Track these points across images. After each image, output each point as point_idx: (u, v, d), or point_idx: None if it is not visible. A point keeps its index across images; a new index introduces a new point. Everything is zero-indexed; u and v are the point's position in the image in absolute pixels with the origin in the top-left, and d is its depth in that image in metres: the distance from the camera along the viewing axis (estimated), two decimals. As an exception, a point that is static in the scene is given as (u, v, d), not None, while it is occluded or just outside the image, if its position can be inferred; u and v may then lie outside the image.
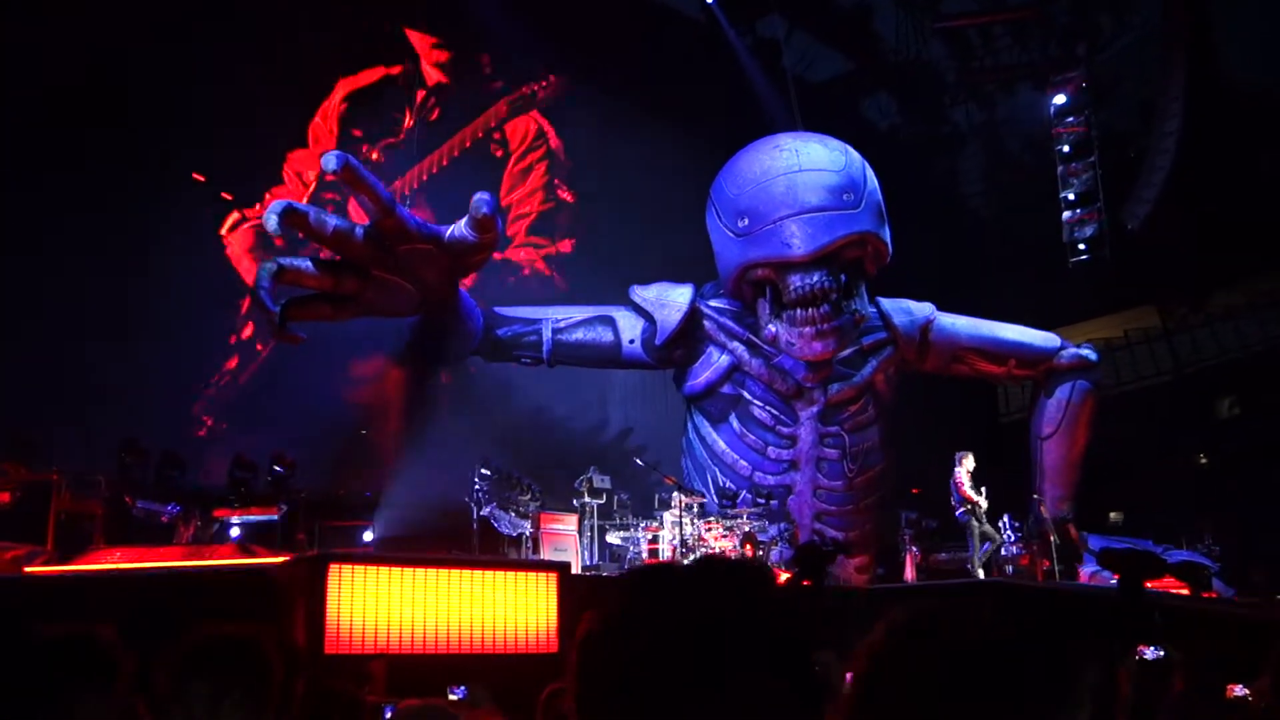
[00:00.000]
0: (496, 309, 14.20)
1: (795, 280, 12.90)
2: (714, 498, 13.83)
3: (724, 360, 14.19)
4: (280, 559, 9.55)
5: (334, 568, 8.68)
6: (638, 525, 13.27)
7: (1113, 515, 16.04)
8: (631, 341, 14.13)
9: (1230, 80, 20.82)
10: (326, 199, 15.55)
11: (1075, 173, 22.47)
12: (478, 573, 9.40)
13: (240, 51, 14.60)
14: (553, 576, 9.80)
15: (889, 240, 13.51)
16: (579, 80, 18.45)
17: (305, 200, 14.40)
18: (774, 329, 13.32)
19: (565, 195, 18.35)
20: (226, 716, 2.29)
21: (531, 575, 9.71)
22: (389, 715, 4.82)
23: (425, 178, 17.19)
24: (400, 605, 8.86)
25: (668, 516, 12.92)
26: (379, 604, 8.76)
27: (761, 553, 12.58)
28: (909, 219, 15.00)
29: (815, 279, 12.83)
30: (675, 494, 12.82)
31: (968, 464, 13.96)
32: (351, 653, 8.41)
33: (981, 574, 13.43)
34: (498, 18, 17.50)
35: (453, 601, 9.12)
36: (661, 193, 18.04)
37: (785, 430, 14.11)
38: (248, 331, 15.31)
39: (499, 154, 18.05)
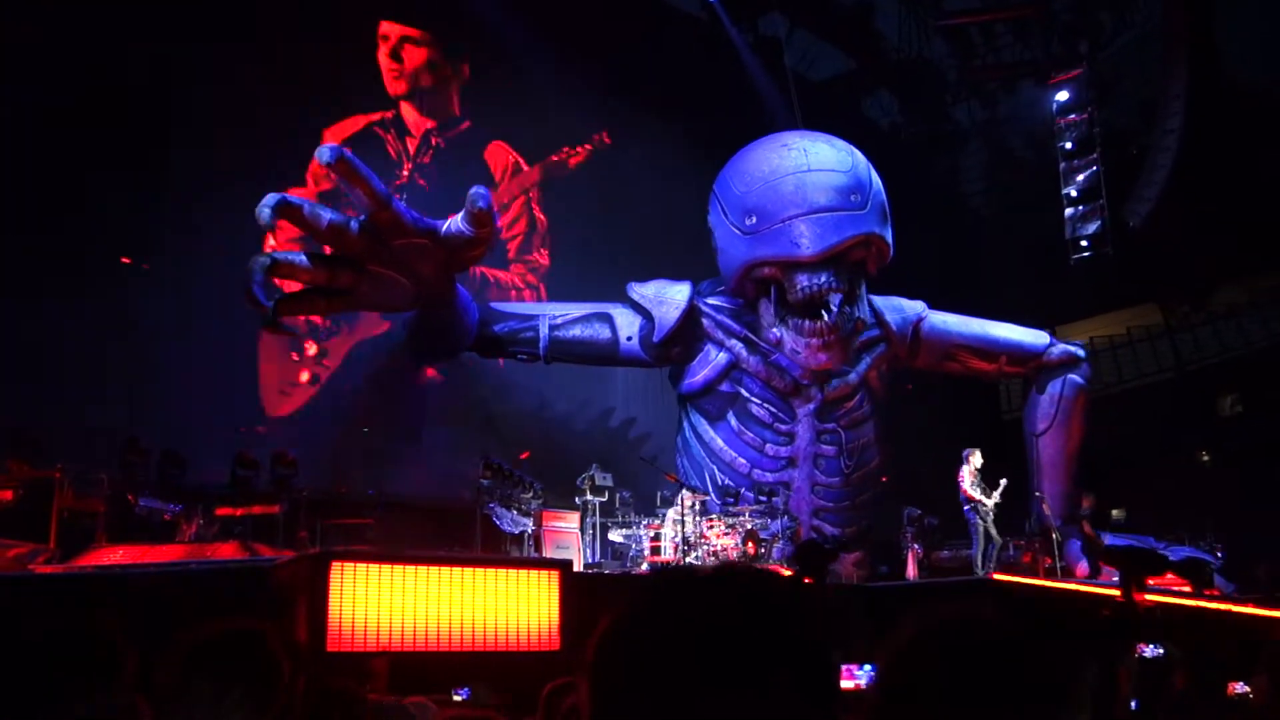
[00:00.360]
0: (492, 305, 14.21)
1: (802, 280, 12.91)
2: (714, 496, 13.83)
3: (722, 358, 14.19)
4: (282, 557, 9.56)
5: (336, 565, 8.68)
6: (640, 523, 13.28)
7: (1115, 513, 16.05)
8: (629, 339, 14.10)
9: (1231, 78, 20.81)
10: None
11: (1077, 170, 22.47)
12: (479, 570, 9.40)
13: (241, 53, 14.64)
14: (555, 574, 9.80)
15: (891, 241, 13.55)
16: (580, 78, 18.44)
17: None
18: (778, 333, 13.34)
19: (540, 216, 18.94)
20: (231, 712, 2.29)
21: (533, 573, 9.71)
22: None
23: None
24: (402, 603, 8.86)
25: (670, 514, 12.93)
26: (381, 602, 8.77)
27: (763, 550, 12.59)
28: (911, 217, 15.03)
29: (823, 279, 12.85)
30: (681, 492, 12.82)
31: (974, 461, 13.94)
32: (354, 650, 8.42)
33: (981, 572, 13.44)
34: (497, 16, 17.52)
35: (455, 599, 9.12)
36: (661, 190, 18.05)
37: (783, 427, 14.13)
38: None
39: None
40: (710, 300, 14.33)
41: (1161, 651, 5.27)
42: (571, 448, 16.04)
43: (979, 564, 13.66)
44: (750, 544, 12.53)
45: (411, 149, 17.48)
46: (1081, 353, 15.52)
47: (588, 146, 19.08)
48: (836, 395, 14.15)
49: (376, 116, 17.07)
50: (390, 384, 14.83)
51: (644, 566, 12.71)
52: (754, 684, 1.14)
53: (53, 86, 13.14)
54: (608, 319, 14.18)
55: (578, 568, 11.65)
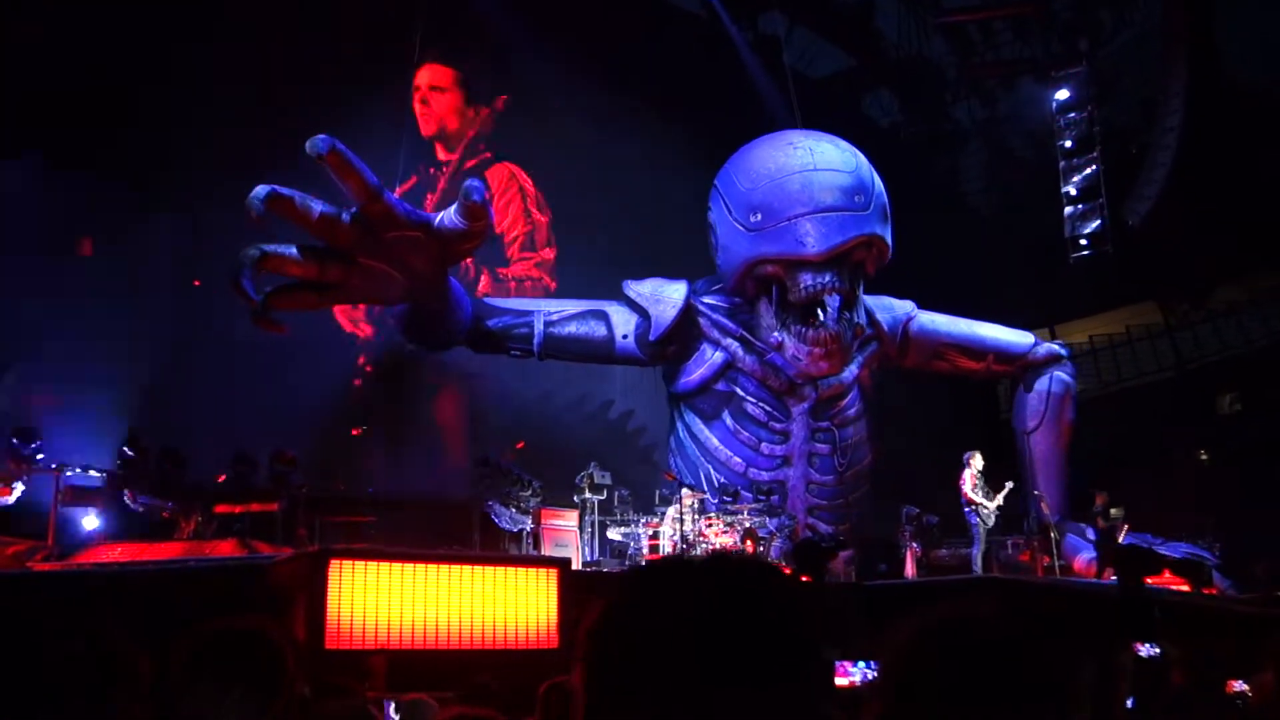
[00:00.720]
0: (486, 300, 14.12)
1: (806, 279, 12.91)
2: (711, 495, 13.82)
3: (718, 357, 14.16)
4: (281, 554, 9.56)
5: (335, 563, 8.67)
6: (638, 521, 13.27)
7: (1113, 511, 16.08)
8: (625, 337, 14.02)
9: (1231, 77, 20.81)
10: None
11: (1077, 168, 22.46)
12: (478, 568, 9.39)
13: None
14: (553, 572, 9.80)
15: (891, 242, 13.56)
16: (580, 74, 18.44)
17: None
18: (779, 337, 13.33)
19: (539, 217, 19.87)
20: (233, 711, 2.29)
21: (532, 571, 9.70)
22: (390, 710, 4.83)
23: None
24: (401, 601, 8.85)
25: (669, 512, 12.92)
26: (380, 600, 8.76)
27: (762, 548, 12.59)
28: (911, 216, 15.03)
29: (826, 279, 12.86)
30: (681, 490, 12.81)
31: (975, 464, 14.06)
32: (352, 648, 8.41)
33: (979, 571, 13.48)
34: (498, 13, 17.52)
35: (453, 597, 9.11)
36: (660, 188, 18.05)
37: (778, 426, 14.13)
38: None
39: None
40: (706, 299, 14.31)
41: (1158, 650, 5.27)
42: (570, 444, 16.03)
43: (978, 563, 13.69)
44: (749, 542, 12.54)
45: (441, 184, 18.61)
46: (1065, 351, 15.87)
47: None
48: (830, 394, 14.17)
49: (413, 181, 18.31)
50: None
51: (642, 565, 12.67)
52: (748, 673, 1.14)
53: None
54: (603, 317, 14.10)
55: (576, 566, 11.65)
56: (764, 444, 14.16)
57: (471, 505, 12.07)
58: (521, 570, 9.65)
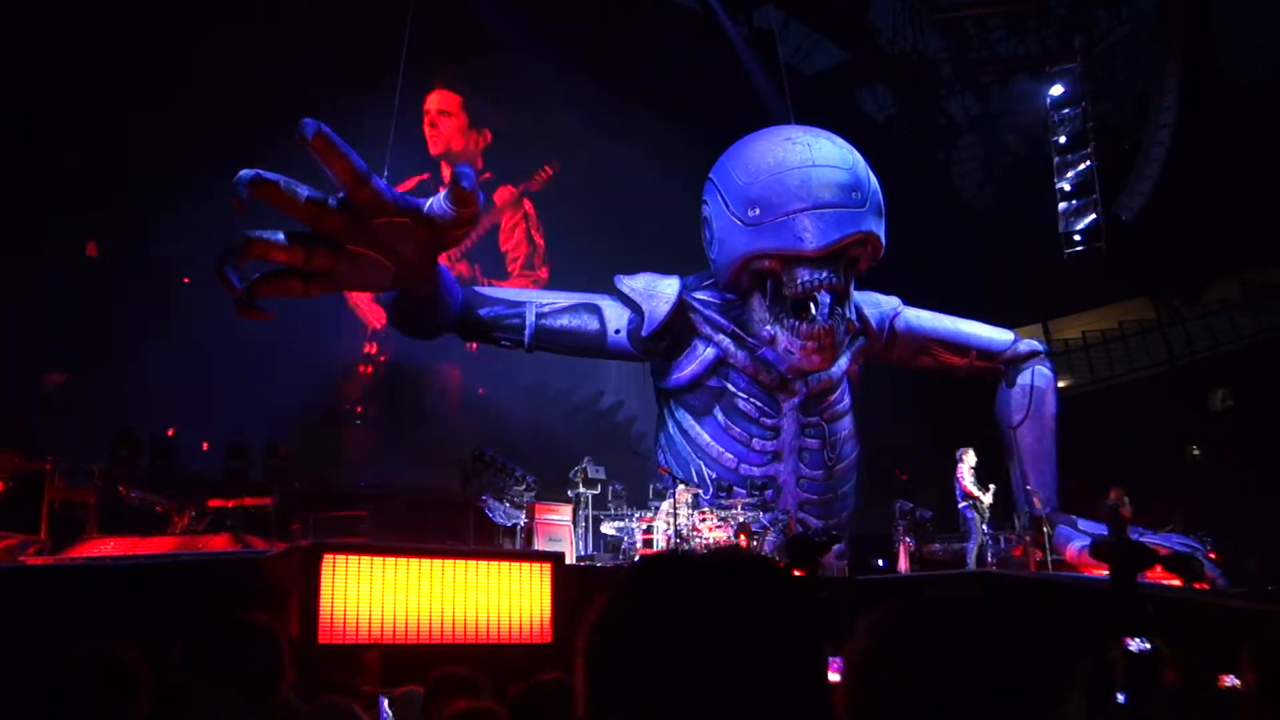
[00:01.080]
0: (477, 289, 14.00)
1: (803, 274, 12.90)
2: (708, 489, 13.82)
3: (709, 353, 14.13)
4: (274, 549, 9.55)
5: (328, 558, 8.68)
6: (632, 516, 13.26)
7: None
8: (617, 331, 13.96)
9: (1224, 73, 20.85)
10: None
11: (1071, 164, 22.49)
12: (472, 563, 9.40)
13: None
14: (547, 567, 9.81)
15: (885, 239, 13.57)
16: (576, 70, 18.42)
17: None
18: (772, 331, 13.32)
19: (539, 240, 21.17)
20: (229, 702, 2.29)
21: (525, 565, 9.71)
22: (384, 704, 4.83)
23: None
24: (394, 595, 8.86)
25: (663, 506, 12.92)
26: (373, 594, 8.77)
27: (755, 543, 12.60)
28: (905, 211, 15.04)
29: (823, 275, 12.85)
30: (677, 485, 12.81)
31: (969, 460, 14.21)
32: (345, 642, 8.42)
33: (972, 566, 13.53)
34: (496, 12, 17.51)
35: (447, 592, 9.12)
36: (655, 183, 18.05)
37: (769, 421, 14.14)
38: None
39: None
40: (698, 294, 14.27)
41: (1149, 646, 5.28)
42: (564, 436, 16.03)
43: (973, 557, 13.74)
44: (742, 537, 12.55)
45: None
46: (1043, 347, 16.21)
47: (544, 174, 21.10)
48: (820, 389, 14.19)
49: (425, 176, 19.28)
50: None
51: (636, 559, 12.67)
52: (747, 670, 1.14)
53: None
54: (596, 311, 14.04)
55: (570, 560, 11.66)
56: (755, 439, 14.17)
57: (465, 500, 12.06)
58: (515, 565, 9.66)
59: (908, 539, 14.28)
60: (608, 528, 13.32)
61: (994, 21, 23.86)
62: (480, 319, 13.37)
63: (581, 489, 13.29)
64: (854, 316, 13.89)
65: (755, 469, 14.13)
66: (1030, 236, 23.56)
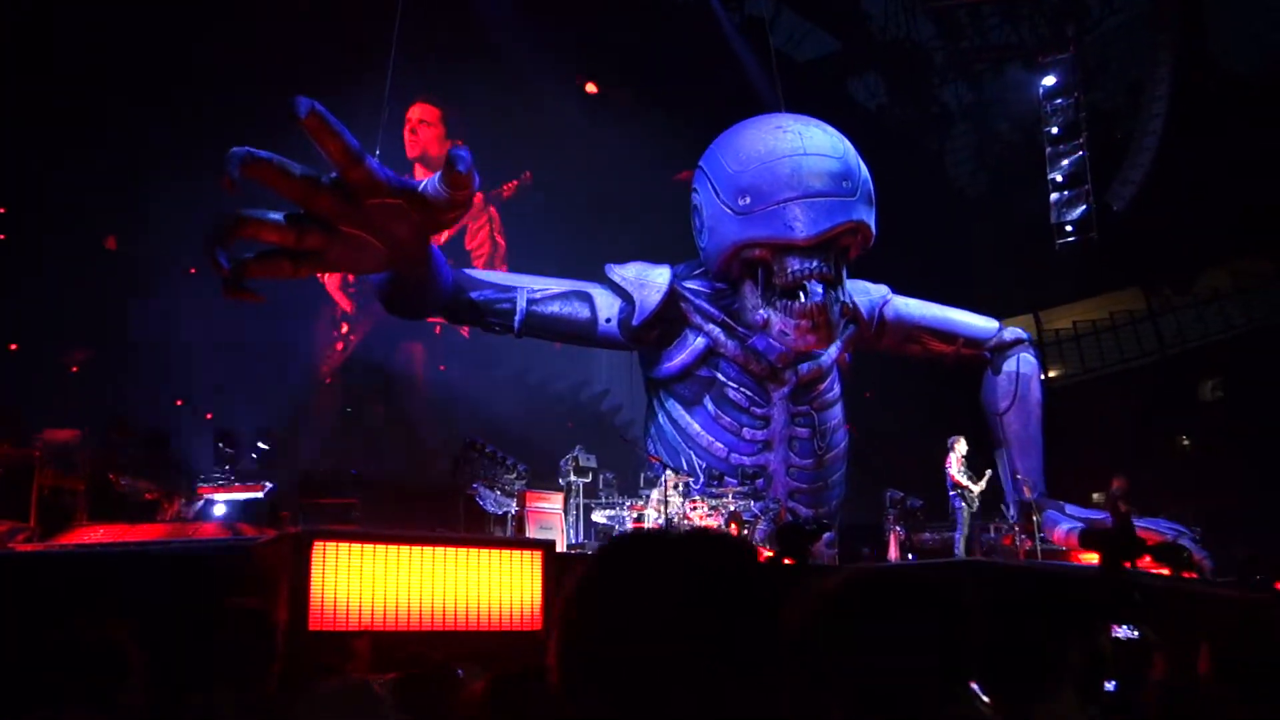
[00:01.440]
0: (467, 271, 13.90)
1: (794, 264, 12.88)
2: (699, 478, 13.84)
3: (700, 342, 14.11)
4: (264, 536, 9.53)
5: (318, 545, 8.65)
6: (623, 504, 13.27)
7: (1095, 496, 16.23)
8: (608, 320, 13.90)
9: (1217, 63, 20.87)
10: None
11: (1063, 154, 22.51)
12: (462, 550, 9.38)
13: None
14: (537, 555, 9.80)
15: (875, 228, 13.56)
16: (565, 58, 18.37)
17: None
18: (765, 314, 13.28)
19: (500, 241, 21.49)
20: (222, 688, 2.29)
21: (516, 553, 9.70)
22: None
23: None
24: (385, 583, 8.84)
25: (653, 495, 12.93)
26: (363, 581, 8.75)
27: (746, 532, 12.63)
28: (896, 200, 15.05)
29: (814, 264, 12.84)
30: (666, 473, 12.82)
31: (959, 449, 14.21)
32: (335, 630, 8.40)
33: (961, 554, 13.58)
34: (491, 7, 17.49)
35: (437, 579, 9.11)
36: (644, 170, 18.01)
37: (759, 411, 14.15)
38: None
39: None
40: (689, 284, 14.25)
41: (1137, 634, 5.28)
42: (554, 424, 16.02)
43: (960, 547, 13.78)
44: (733, 525, 12.58)
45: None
46: (1027, 335, 16.34)
47: (514, 183, 21.30)
48: (810, 378, 14.21)
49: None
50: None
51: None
52: (719, 648, 1.14)
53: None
54: (587, 299, 13.97)
55: (561, 548, 11.66)
56: (745, 429, 14.17)
57: (456, 488, 12.04)
58: (505, 552, 9.65)
59: (898, 528, 14.32)
60: (599, 516, 13.33)
61: (987, 9, 23.85)
62: (471, 301, 13.24)
63: (573, 477, 13.29)
64: (849, 301, 13.84)
65: (745, 458, 14.14)
66: (1022, 226, 23.59)
